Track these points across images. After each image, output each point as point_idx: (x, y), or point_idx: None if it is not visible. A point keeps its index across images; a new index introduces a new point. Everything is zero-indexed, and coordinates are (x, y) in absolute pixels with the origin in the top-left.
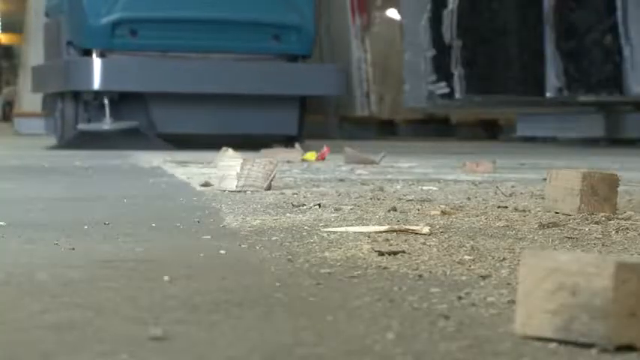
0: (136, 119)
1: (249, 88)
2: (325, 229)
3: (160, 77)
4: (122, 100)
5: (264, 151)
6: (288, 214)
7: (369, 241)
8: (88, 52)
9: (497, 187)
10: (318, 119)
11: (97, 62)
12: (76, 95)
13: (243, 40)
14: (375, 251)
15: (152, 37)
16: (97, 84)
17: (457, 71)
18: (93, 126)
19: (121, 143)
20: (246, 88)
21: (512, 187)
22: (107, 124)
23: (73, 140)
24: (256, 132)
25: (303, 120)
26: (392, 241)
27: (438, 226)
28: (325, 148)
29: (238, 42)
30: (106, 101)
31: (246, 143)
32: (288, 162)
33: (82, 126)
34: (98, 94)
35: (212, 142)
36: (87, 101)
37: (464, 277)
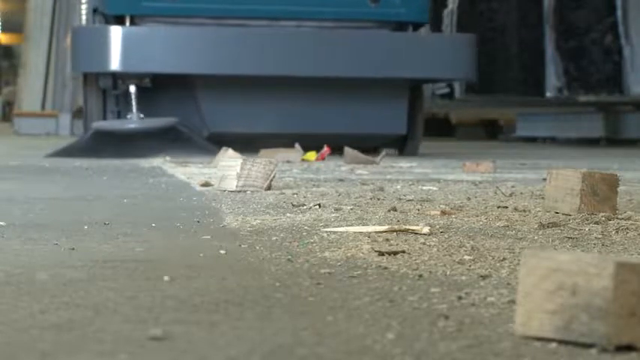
0: (177, 114)
1: (338, 69)
2: (325, 229)
3: (213, 54)
4: (157, 88)
5: (263, 151)
6: (288, 214)
7: (369, 241)
8: (119, 22)
9: (497, 187)
10: None
11: (115, 32)
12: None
13: (328, 2)
14: (375, 251)
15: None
16: (115, 63)
17: None
18: (113, 124)
19: (153, 149)
20: (334, 70)
21: (512, 187)
22: (133, 121)
23: (84, 144)
24: (347, 131)
25: (416, 114)
26: (392, 241)
27: (438, 226)
28: (325, 148)
29: (321, 5)
30: (132, 89)
31: (333, 145)
32: (288, 162)
33: (99, 125)
34: (121, 79)
35: (287, 145)
36: (116, 90)
37: (464, 277)
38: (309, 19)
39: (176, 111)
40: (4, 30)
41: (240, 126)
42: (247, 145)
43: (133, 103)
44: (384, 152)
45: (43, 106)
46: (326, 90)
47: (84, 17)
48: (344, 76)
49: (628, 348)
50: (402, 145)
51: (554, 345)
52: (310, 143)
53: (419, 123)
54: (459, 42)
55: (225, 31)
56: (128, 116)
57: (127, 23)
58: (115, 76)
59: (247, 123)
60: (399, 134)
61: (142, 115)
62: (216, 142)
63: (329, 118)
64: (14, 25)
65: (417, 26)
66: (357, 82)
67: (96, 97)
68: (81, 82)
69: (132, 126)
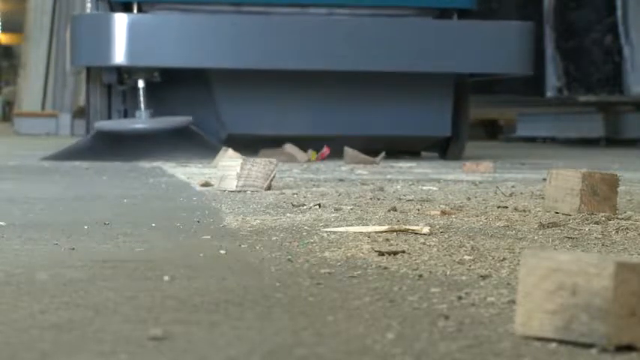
0: (190, 113)
1: (374, 62)
2: (325, 229)
3: (231, 45)
4: (168, 84)
5: (263, 152)
6: (288, 214)
7: (369, 241)
8: (125, 9)
9: (497, 187)
10: None
11: (120, 21)
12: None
13: None
14: (375, 251)
15: None
16: (121, 56)
17: None
18: (117, 124)
19: (163, 152)
20: (369, 63)
21: (512, 187)
22: (140, 120)
23: (85, 146)
24: (384, 133)
25: (461, 113)
26: (392, 241)
27: (438, 226)
28: (325, 148)
29: None
30: (140, 84)
31: (368, 149)
32: (292, 162)
33: (102, 124)
34: (127, 74)
35: (316, 149)
36: (122, 85)
37: (464, 277)
38: (341, 6)
39: (189, 110)
40: (4, 30)
41: (262, 127)
42: (270, 147)
43: (141, 100)
44: (383, 152)
45: (43, 106)
46: (360, 87)
47: (88, 4)
48: (381, 71)
49: (628, 348)
50: (445, 148)
51: (554, 345)
52: (341, 147)
53: (464, 123)
54: (514, 30)
55: (246, 19)
56: (136, 115)
57: (135, 10)
58: (120, 70)
59: (270, 124)
60: (443, 136)
61: (151, 114)
62: (235, 145)
63: (363, 118)
64: (14, 25)
65: (462, 13)
66: (395, 78)
67: (99, 95)
68: (82, 78)
69: (139, 126)
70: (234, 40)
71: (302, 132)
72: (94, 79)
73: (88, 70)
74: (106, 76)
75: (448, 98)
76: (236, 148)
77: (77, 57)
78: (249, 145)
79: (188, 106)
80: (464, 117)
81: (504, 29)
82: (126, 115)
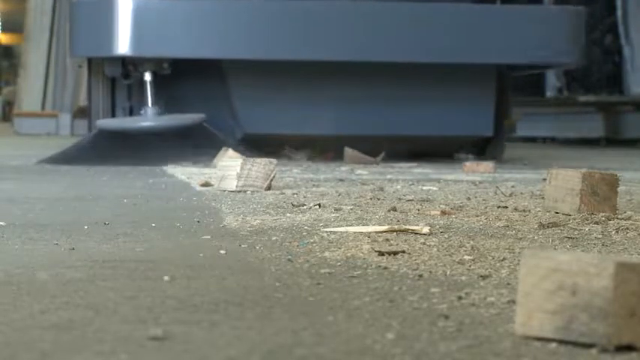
0: (203, 110)
1: (407, 52)
2: (325, 229)
3: (249, 34)
4: (179, 77)
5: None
6: (288, 214)
7: (369, 241)
8: None
9: (497, 187)
10: None
11: (125, 6)
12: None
13: None
14: (375, 251)
15: None
16: (125, 46)
17: None
18: (121, 122)
19: (172, 154)
20: (402, 54)
21: (512, 187)
22: (147, 118)
23: (86, 147)
24: (418, 132)
25: (503, 110)
26: (392, 241)
27: (438, 226)
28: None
29: None
30: (147, 77)
31: (398, 151)
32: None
33: (104, 123)
34: (133, 66)
35: (340, 150)
36: (127, 78)
37: (464, 277)
38: None
39: (202, 106)
40: (4, 30)
41: (282, 126)
42: (293, 149)
43: (148, 95)
44: (384, 152)
45: (43, 106)
46: (391, 82)
47: None
48: (415, 62)
49: (628, 348)
50: (482, 150)
51: (554, 345)
52: (371, 148)
53: (505, 122)
54: (565, 16)
55: (266, 5)
56: (144, 111)
57: None
58: (125, 61)
59: (291, 123)
60: (484, 136)
61: (159, 111)
62: (253, 145)
63: (394, 117)
64: (14, 25)
65: None
66: (430, 71)
67: (102, 90)
68: (84, 73)
69: (146, 124)
70: (252, 28)
71: (326, 132)
72: (96, 72)
73: (90, 62)
74: (109, 69)
75: (489, 93)
76: (253, 149)
77: (77, 47)
78: (266, 146)
79: (201, 102)
80: (505, 115)
81: (554, 14)
82: (131, 112)
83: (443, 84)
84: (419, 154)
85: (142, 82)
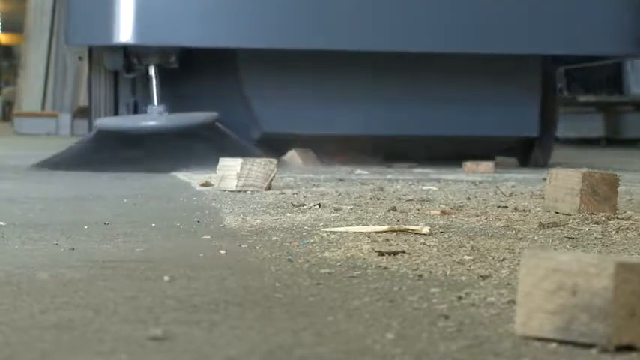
0: (215, 107)
1: (443, 42)
2: (325, 229)
3: (266, 21)
4: (188, 70)
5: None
6: (288, 214)
7: (369, 241)
8: None
9: (497, 187)
10: None
11: None
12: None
13: None
14: (375, 251)
15: None
16: (127, 34)
17: None
18: (123, 122)
19: (180, 157)
20: (436, 43)
21: (512, 187)
22: (154, 117)
23: (83, 150)
24: (451, 133)
25: (550, 109)
26: (392, 241)
27: (438, 226)
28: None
29: None
30: (152, 71)
31: (431, 153)
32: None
33: (104, 123)
34: (136, 57)
35: (365, 151)
36: (130, 72)
37: (464, 277)
38: None
39: (215, 103)
40: (4, 30)
41: (303, 125)
42: (320, 152)
43: (154, 90)
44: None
45: (43, 106)
46: (422, 76)
47: None
48: (451, 53)
49: (628, 348)
50: (527, 153)
51: (554, 345)
52: (399, 151)
53: (553, 121)
54: (623, 2)
55: None
56: (149, 109)
57: None
58: (127, 52)
59: (313, 122)
60: (528, 137)
61: (164, 107)
62: (272, 146)
63: (426, 115)
64: (14, 25)
65: None
66: (467, 64)
67: (104, 84)
68: (83, 71)
69: (152, 124)
70: (270, 15)
71: (352, 132)
72: (96, 64)
73: (90, 53)
74: (110, 60)
75: (535, 89)
76: (271, 150)
77: (73, 35)
78: (287, 146)
79: (213, 98)
80: (551, 114)
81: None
82: (136, 109)
83: (482, 78)
84: (455, 157)
85: (147, 76)
